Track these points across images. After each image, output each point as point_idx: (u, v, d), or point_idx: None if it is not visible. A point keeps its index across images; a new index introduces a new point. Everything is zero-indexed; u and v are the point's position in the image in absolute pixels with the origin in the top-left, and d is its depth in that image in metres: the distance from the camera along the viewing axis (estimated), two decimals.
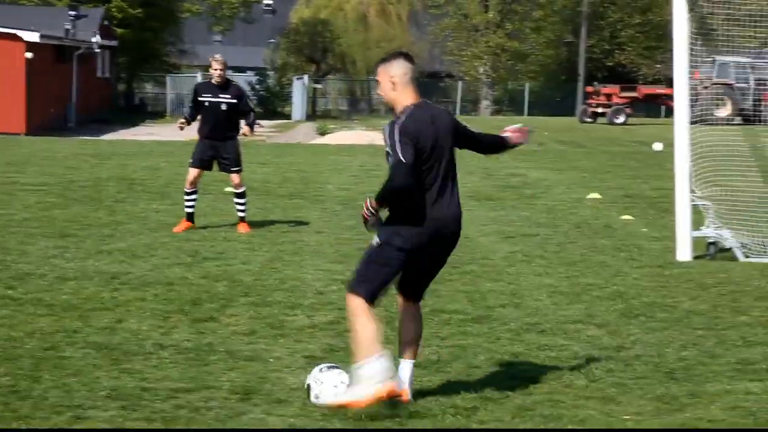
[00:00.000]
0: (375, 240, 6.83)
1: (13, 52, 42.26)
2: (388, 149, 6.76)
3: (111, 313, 9.14)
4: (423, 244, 6.83)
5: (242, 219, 14.49)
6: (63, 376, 7.23)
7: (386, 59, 6.96)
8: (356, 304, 6.72)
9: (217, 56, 14.44)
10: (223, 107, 14.26)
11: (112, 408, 6.60)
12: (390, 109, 7.00)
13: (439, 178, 6.84)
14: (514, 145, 7.35)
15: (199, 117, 14.36)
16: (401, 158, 6.67)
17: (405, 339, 7.00)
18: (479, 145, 7.27)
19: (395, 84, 6.86)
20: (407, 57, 6.96)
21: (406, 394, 6.82)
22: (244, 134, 14.49)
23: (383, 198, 6.80)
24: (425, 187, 6.81)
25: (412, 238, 6.79)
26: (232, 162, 14.44)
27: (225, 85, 14.30)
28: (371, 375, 6.60)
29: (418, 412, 6.64)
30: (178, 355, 7.83)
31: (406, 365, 6.95)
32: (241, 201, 14.50)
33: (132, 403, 6.70)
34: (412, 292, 7.04)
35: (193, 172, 14.43)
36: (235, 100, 14.33)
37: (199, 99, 14.26)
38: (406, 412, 6.59)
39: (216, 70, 14.18)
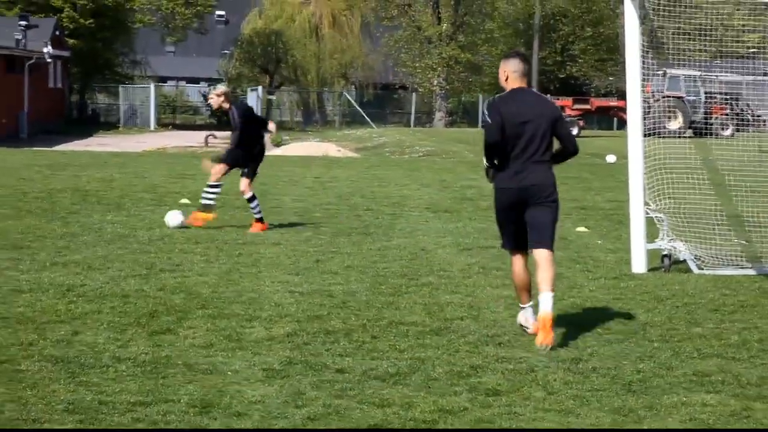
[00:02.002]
0: None
1: None
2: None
3: (67, 325, 9.07)
4: (511, 197, 8.86)
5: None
6: (19, 390, 7.16)
7: (506, 56, 9.11)
8: (510, 259, 9.19)
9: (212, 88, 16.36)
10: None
11: (69, 422, 6.54)
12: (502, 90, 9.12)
13: (523, 149, 8.78)
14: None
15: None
16: (488, 119, 8.84)
17: (538, 279, 8.87)
18: (561, 144, 9.09)
19: (508, 75, 8.96)
20: (521, 57, 9.05)
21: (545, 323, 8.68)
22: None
23: (485, 153, 8.98)
24: (511, 154, 8.81)
25: (501, 193, 8.92)
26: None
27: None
28: (523, 319, 9.12)
29: (378, 425, 6.65)
30: (135, 368, 7.78)
31: (544, 297, 8.78)
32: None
33: (90, 416, 6.65)
34: (533, 241, 8.93)
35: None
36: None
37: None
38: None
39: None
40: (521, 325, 9.20)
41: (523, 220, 8.96)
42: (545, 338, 8.62)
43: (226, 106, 15.56)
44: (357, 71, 70.00)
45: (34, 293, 10.41)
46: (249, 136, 15.61)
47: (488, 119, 8.86)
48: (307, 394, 7.26)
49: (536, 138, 8.83)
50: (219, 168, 15.90)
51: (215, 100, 15.58)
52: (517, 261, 9.11)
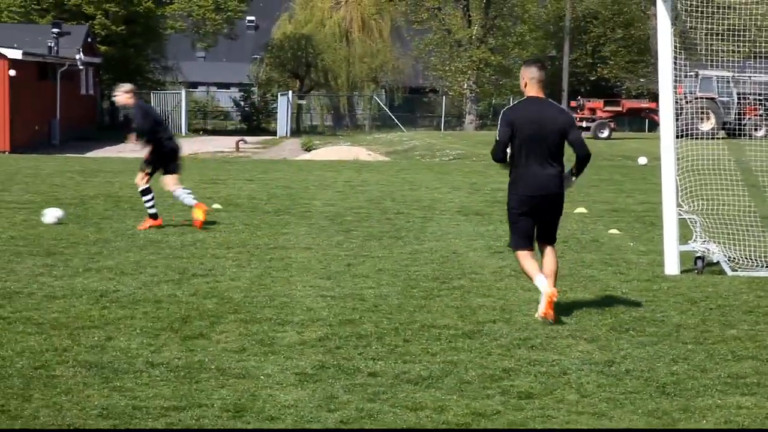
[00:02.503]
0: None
1: None
2: None
3: (100, 331, 9.12)
4: (527, 203, 9.60)
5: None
6: (53, 395, 7.20)
7: (526, 63, 9.80)
8: (516, 255, 9.86)
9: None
10: None
11: (103, 427, 6.58)
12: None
13: (535, 156, 9.46)
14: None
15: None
16: (496, 137, 9.56)
17: (545, 272, 9.71)
18: (573, 151, 9.63)
19: (527, 82, 9.59)
20: (539, 65, 9.73)
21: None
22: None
23: (493, 160, 9.75)
24: (524, 161, 9.51)
25: (517, 200, 9.66)
26: None
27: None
28: (539, 287, 9.63)
29: (411, 429, 6.64)
30: (168, 373, 7.81)
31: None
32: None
33: (123, 421, 6.69)
34: (541, 238, 9.82)
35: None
36: None
37: None
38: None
39: None
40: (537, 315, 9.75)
41: (534, 222, 9.76)
42: (547, 311, 9.53)
43: (131, 102, 15.77)
44: (387, 75, 70.05)
45: (67, 299, 10.47)
46: (153, 137, 15.81)
47: (497, 133, 9.62)
48: (339, 398, 7.26)
49: (549, 145, 9.50)
50: (140, 176, 16.18)
51: (122, 97, 15.76)
52: (526, 255, 9.76)
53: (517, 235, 9.80)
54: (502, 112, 9.67)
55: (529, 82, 9.58)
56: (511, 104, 9.82)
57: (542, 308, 9.56)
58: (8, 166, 30.39)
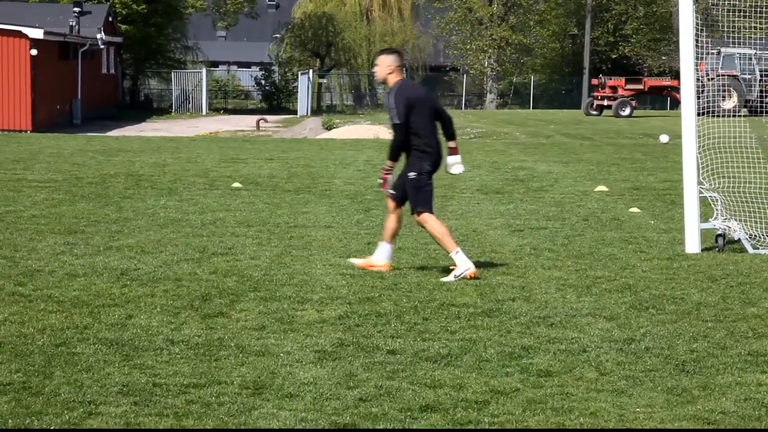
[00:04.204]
0: (411, 174, 10.58)
1: (17, 49, 42.32)
2: (389, 110, 10.52)
3: (121, 309, 9.16)
4: (433, 169, 10.63)
5: None
6: (74, 372, 7.25)
7: (385, 52, 10.91)
8: (427, 218, 10.62)
9: None
10: None
11: (124, 403, 6.62)
12: (383, 83, 10.79)
13: (433, 128, 10.63)
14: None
15: None
16: (397, 120, 10.46)
17: (394, 229, 10.93)
18: (441, 123, 10.83)
19: (393, 69, 10.63)
20: (398, 52, 10.98)
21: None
22: None
23: (394, 154, 10.60)
24: (428, 133, 10.54)
25: (429, 166, 10.56)
26: None
27: None
28: (461, 262, 10.50)
29: (429, 406, 6.66)
30: (188, 351, 7.85)
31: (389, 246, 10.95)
32: None
33: (144, 398, 6.72)
34: (403, 200, 10.79)
35: None
36: None
37: None
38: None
39: None
40: (461, 275, 10.45)
41: None
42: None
43: None
44: (407, 54, 69.87)
45: (88, 277, 10.52)
46: None
47: (396, 117, 10.44)
48: (358, 376, 7.28)
49: (433, 118, 10.65)
50: None
51: None
52: (435, 218, 10.75)
53: (429, 198, 10.66)
54: (395, 96, 10.45)
55: (396, 69, 10.61)
56: (397, 88, 10.51)
57: (465, 273, 10.46)
58: (30, 145, 30.51)
